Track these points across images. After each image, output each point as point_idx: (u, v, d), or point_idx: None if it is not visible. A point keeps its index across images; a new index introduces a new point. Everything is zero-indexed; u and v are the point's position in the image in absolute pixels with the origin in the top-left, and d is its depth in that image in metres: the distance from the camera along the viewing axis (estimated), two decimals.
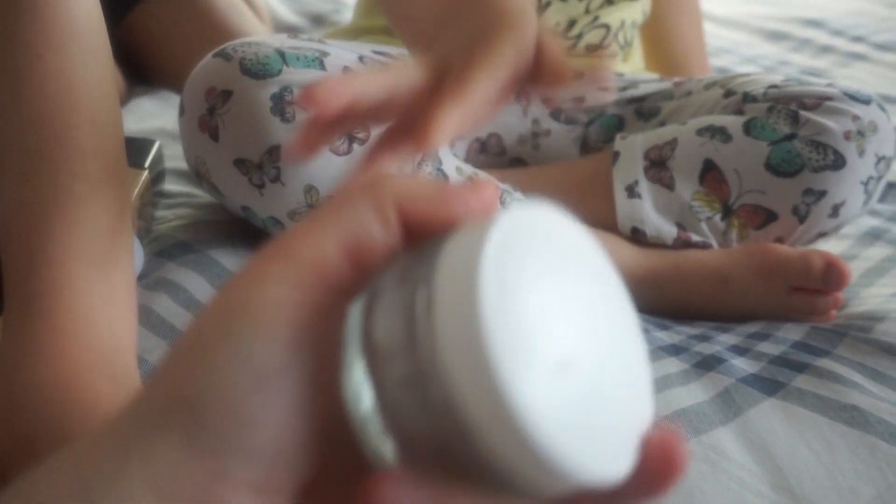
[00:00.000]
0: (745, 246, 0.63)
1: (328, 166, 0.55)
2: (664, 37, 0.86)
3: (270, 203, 0.56)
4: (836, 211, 0.62)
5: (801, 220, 0.62)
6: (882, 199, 0.76)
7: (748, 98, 0.65)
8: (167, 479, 0.18)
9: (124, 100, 0.82)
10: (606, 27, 0.75)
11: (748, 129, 0.62)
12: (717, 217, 0.63)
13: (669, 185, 0.63)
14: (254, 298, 0.19)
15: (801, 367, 0.53)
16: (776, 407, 0.49)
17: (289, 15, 1.13)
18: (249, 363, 0.18)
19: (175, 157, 0.70)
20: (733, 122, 0.63)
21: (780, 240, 0.64)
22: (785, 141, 0.61)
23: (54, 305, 0.36)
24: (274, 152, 0.54)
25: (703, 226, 0.64)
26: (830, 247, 0.69)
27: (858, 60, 1.17)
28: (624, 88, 0.74)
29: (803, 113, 0.61)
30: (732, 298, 0.62)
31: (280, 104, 0.54)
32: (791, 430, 0.47)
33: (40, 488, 0.19)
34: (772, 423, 0.48)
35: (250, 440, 0.18)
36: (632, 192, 0.64)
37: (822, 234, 0.65)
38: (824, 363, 0.53)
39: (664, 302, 0.62)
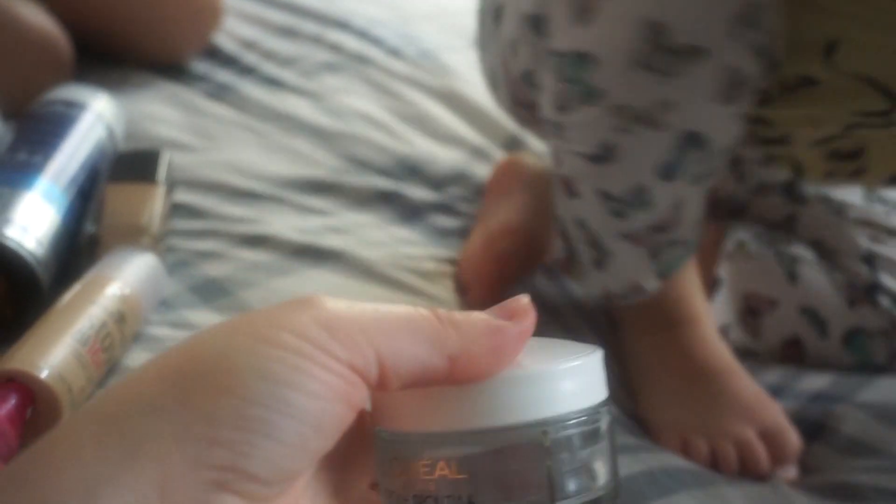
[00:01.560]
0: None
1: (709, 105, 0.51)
2: None
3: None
4: None
5: None
6: None
7: (871, 296, 0.62)
8: (175, 483, 0.19)
9: (71, 67, 0.76)
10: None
11: (848, 339, 0.61)
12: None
13: (754, 334, 0.63)
14: (297, 366, 0.20)
15: None
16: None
17: None
18: (276, 405, 0.20)
19: (185, 167, 0.70)
20: (837, 322, 0.61)
21: None
22: (875, 371, 0.61)
23: None
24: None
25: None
26: None
27: None
28: None
29: None
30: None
31: None
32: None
33: (38, 475, 0.19)
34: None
35: (256, 466, 0.20)
36: (723, 330, 0.63)
37: None
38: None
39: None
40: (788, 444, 0.53)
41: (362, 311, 0.22)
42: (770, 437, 0.54)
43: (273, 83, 0.88)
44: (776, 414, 0.55)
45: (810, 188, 0.68)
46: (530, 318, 0.24)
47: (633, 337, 0.61)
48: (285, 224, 0.67)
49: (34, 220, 0.54)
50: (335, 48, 0.94)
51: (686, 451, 0.54)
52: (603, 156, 0.52)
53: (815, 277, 0.63)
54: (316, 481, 0.24)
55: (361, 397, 0.22)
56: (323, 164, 0.77)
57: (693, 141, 0.51)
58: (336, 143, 0.80)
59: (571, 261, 0.60)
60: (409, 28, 0.99)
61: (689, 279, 0.61)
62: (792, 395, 0.59)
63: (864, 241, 0.64)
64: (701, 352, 0.58)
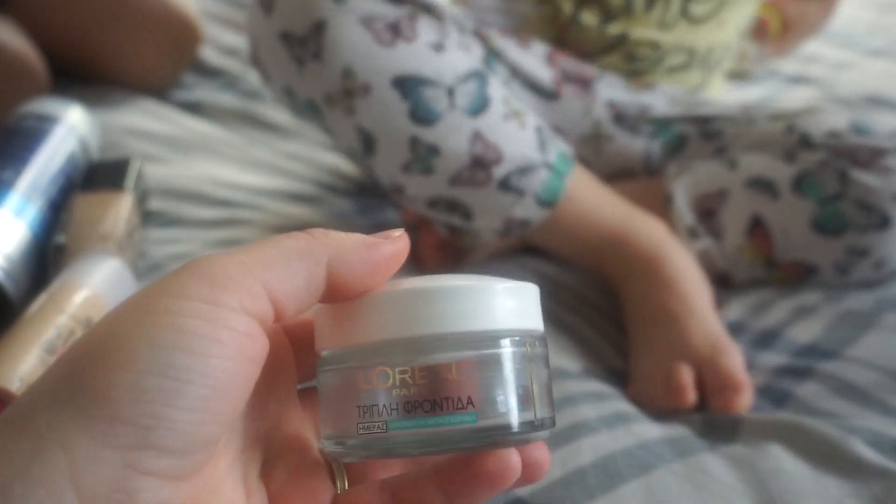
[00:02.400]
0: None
1: (369, 54, 0.56)
2: None
3: (309, 83, 0.57)
4: (879, 265, 0.63)
5: (843, 273, 0.64)
6: None
7: (804, 142, 0.64)
8: (85, 468, 0.19)
9: (45, 87, 0.77)
10: (691, 52, 0.76)
11: (797, 185, 0.63)
12: (759, 266, 0.65)
13: (718, 236, 0.65)
14: (185, 327, 0.20)
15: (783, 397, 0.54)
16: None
17: None
18: (170, 372, 0.20)
19: (162, 179, 0.70)
20: (783, 176, 0.63)
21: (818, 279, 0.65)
22: (832, 202, 0.61)
23: None
24: (320, 28, 0.55)
25: (744, 270, 0.65)
26: None
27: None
28: (692, 105, 0.74)
29: (853, 173, 0.61)
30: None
31: None
32: (777, 445, 0.48)
33: None
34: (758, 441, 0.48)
35: (163, 438, 0.20)
36: (692, 233, 0.65)
37: (865, 282, 0.65)
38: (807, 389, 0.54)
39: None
40: (727, 372, 0.52)
41: (243, 252, 0.22)
42: (709, 371, 0.53)
43: (254, 96, 0.89)
44: (721, 350, 0.54)
45: (720, 122, 0.72)
46: (403, 241, 0.25)
47: (617, 290, 0.63)
48: (262, 228, 0.67)
49: (4, 237, 0.54)
50: None
51: (636, 401, 0.54)
52: (367, 142, 0.57)
53: (754, 158, 0.66)
54: (235, 469, 0.24)
55: (259, 350, 0.22)
56: (302, 177, 0.77)
57: (411, 81, 0.55)
58: (315, 155, 0.80)
59: (453, 232, 0.62)
60: None
61: (637, 227, 0.62)
62: (780, 347, 0.58)
63: (777, 124, 0.68)
64: (657, 297, 0.58)
